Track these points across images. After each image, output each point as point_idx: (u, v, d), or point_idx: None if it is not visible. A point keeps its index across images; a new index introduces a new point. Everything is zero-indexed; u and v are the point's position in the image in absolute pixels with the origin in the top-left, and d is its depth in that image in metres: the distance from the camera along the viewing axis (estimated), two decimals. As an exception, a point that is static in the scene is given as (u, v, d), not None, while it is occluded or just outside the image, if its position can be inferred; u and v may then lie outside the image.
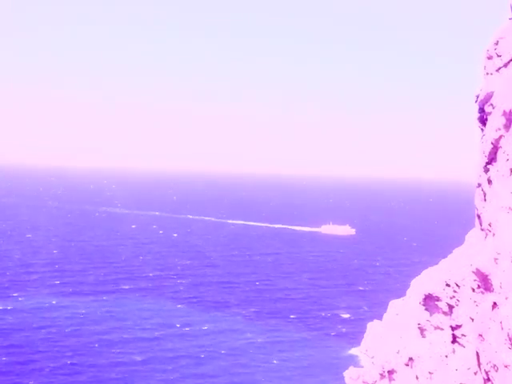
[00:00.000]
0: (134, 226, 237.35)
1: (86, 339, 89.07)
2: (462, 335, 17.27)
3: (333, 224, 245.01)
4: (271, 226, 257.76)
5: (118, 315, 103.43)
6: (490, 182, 13.09)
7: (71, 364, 79.30)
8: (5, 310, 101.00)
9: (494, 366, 11.71)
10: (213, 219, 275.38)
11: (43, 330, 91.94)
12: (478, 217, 13.84)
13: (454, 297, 17.92)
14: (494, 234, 12.28)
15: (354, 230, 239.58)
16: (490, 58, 13.84)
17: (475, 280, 12.94)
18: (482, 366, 12.75)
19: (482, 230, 13.24)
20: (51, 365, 78.62)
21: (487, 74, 13.96)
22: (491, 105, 13.21)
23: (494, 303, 11.78)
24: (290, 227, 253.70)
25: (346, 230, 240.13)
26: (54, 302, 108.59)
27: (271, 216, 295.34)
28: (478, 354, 13.17)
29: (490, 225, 12.56)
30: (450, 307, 18.09)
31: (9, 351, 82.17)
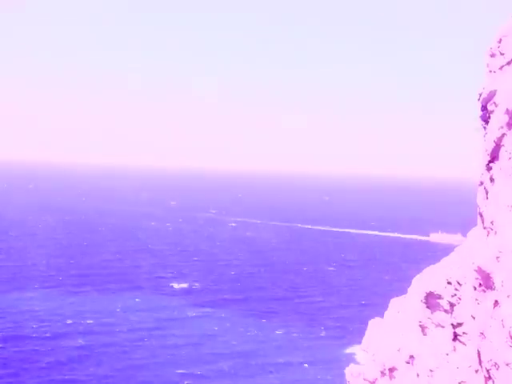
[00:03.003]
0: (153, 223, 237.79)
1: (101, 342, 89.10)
2: (464, 333, 17.27)
3: (442, 232, 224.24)
4: (380, 234, 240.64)
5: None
6: (492, 180, 13.08)
7: (70, 363, 79.35)
8: (4, 308, 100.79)
9: (495, 364, 11.72)
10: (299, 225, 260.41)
11: (42, 328, 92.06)
12: (480, 215, 13.83)
13: (455, 295, 17.92)
14: (496, 233, 12.27)
15: None
16: (493, 55, 13.80)
17: (477, 278, 12.94)
18: (483, 364, 12.77)
19: (484, 228, 13.24)
20: (49, 363, 78.61)
21: (490, 72, 13.92)
22: (494, 103, 13.18)
23: (496, 301, 11.79)
24: (395, 235, 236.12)
25: (458, 240, 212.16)
26: (56, 298, 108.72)
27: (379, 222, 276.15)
28: (479, 352, 13.18)
29: (492, 223, 12.56)
30: (452, 305, 18.08)
31: (8, 351, 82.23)
